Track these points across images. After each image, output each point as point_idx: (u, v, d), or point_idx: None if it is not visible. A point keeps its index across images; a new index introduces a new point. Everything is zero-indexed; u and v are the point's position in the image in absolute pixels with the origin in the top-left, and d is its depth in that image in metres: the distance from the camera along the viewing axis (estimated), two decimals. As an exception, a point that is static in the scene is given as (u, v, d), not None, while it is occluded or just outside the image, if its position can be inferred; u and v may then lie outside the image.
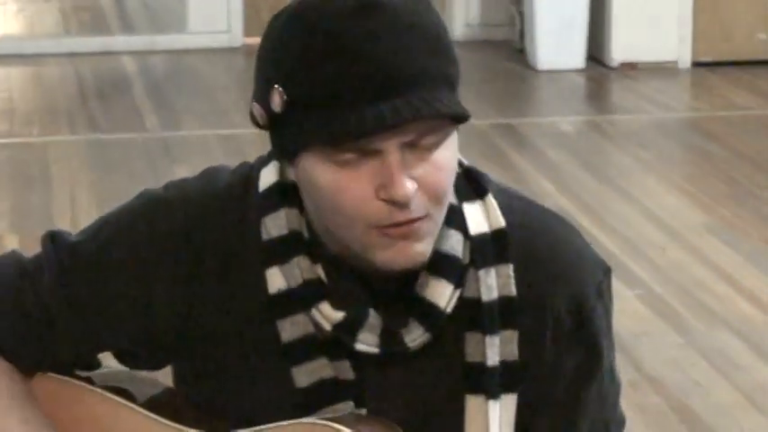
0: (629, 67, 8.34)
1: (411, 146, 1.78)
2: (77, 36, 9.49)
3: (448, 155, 1.81)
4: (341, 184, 1.79)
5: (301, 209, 1.90)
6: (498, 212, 1.93)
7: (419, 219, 1.80)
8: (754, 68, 8.31)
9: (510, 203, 1.95)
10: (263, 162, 1.96)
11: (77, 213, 5.96)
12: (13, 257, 2.02)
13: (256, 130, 6.10)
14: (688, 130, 7.56)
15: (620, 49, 8.39)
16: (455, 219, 1.89)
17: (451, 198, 1.89)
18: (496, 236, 1.92)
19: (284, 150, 1.86)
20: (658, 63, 8.38)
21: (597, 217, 5.87)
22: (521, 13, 8.53)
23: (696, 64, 8.41)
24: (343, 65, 1.77)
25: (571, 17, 8.36)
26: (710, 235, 5.90)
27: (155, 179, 6.18)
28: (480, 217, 1.92)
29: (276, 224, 1.90)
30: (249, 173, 1.96)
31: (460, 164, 1.92)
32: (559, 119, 7.45)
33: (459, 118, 1.79)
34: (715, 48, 8.43)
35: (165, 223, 1.95)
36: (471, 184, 1.93)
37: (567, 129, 7.36)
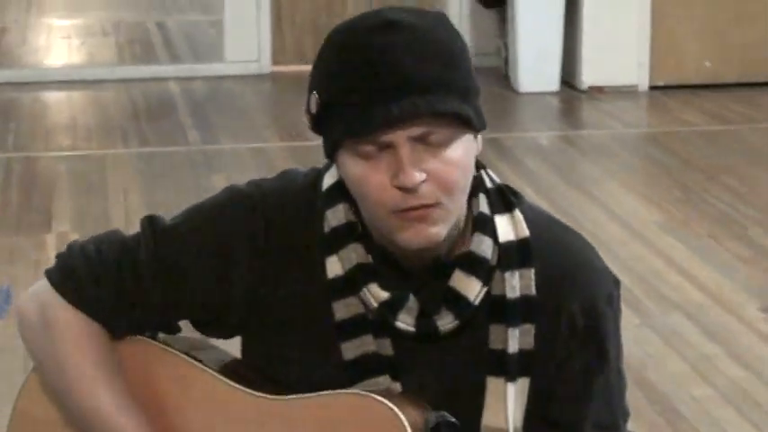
0: (597, 91, 8.31)
1: (421, 141, 1.80)
2: (130, 65, 9.47)
3: (458, 153, 1.83)
4: (364, 174, 1.82)
5: (356, 205, 1.91)
6: (524, 224, 1.94)
7: (431, 206, 1.82)
8: (701, 91, 8.29)
9: (536, 218, 1.97)
10: (327, 166, 1.97)
11: (130, 215, 5.94)
12: (116, 235, 2.03)
13: (283, 143, 6.16)
14: (646, 144, 7.55)
15: (588, 75, 8.36)
16: (488, 227, 1.92)
17: (485, 209, 1.92)
18: (521, 244, 1.93)
19: (327, 150, 1.89)
20: (621, 87, 8.36)
21: (569, 216, 5.84)
22: (505, 45, 8.53)
23: (653, 88, 8.39)
24: (362, 72, 1.80)
25: (547, 48, 8.34)
26: (664, 232, 5.89)
27: (195, 186, 6.20)
28: (508, 227, 1.94)
29: (335, 216, 1.92)
30: (317, 176, 1.98)
31: (493, 181, 1.96)
32: (537, 134, 7.44)
33: (461, 119, 1.81)
34: (668, 74, 8.41)
35: (246, 216, 1.97)
36: (503, 199, 1.94)
37: (544, 142, 7.34)
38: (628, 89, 8.37)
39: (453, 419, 1.72)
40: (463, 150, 1.84)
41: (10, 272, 5.42)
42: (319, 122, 1.86)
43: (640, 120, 7.97)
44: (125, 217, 5.97)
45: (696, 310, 5.03)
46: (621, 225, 5.94)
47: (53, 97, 8.69)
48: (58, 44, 10.63)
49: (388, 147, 1.80)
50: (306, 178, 2.00)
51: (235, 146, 7.37)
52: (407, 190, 1.80)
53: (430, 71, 1.81)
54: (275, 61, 8.94)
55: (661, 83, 8.40)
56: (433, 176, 1.81)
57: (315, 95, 1.84)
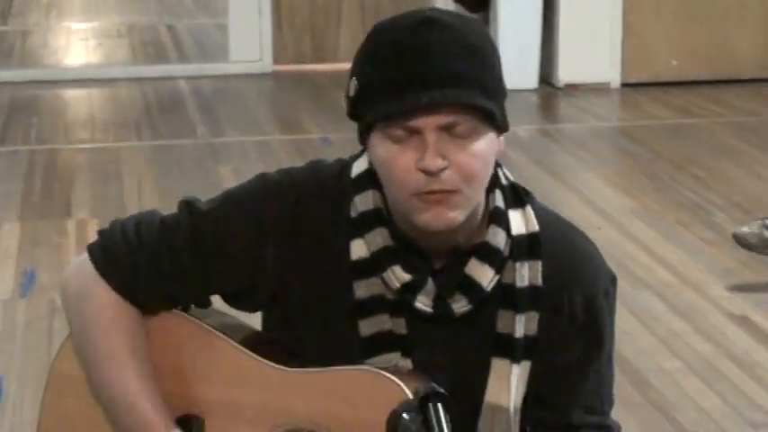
0: (572, 88, 8.31)
1: (447, 131, 1.81)
2: (143, 64, 9.46)
3: (481, 147, 1.84)
4: (393, 156, 1.83)
5: (383, 193, 1.92)
6: (534, 220, 1.96)
7: (451, 191, 1.82)
8: (668, 88, 8.30)
9: (545, 215, 1.99)
10: (355, 157, 1.98)
11: (143, 203, 5.94)
12: (155, 216, 2.03)
13: (284, 137, 6.16)
14: (618, 136, 7.55)
15: (564, 74, 8.35)
16: (502, 220, 1.93)
17: (500, 204, 1.93)
18: (531, 238, 1.95)
19: (360, 134, 1.90)
20: (595, 84, 8.35)
21: (547, 203, 5.84)
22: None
23: (624, 85, 8.38)
24: (398, 63, 1.81)
25: (526, 49, 8.32)
26: (636, 217, 5.89)
27: (203, 176, 6.21)
28: (520, 222, 1.95)
29: (364, 201, 1.93)
30: (344, 166, 1.99)
31: (507, 179, 1.98)
32: (518, 127, 7.42)
33: (484, 112, 1.82)
34: (639, 72, 8.40)
35: (277, 201, 1.97)
36: (516, 196, 1.96)
37: (524, 135, 7.33)
38: (601, 86, 8.36)
39: (442, 390, 1.72)
40: (485, 145, 1.85)
41: (34, 255, 5.42)
42: (356, 106, 1.86)
43: (613, 114, 7.97)
44: (139, 204, 5.96)
45: (665, 290, 5.04)
46: (596, 211, 5.94)
47: (72, 94, 8.68)
48: (77, 46, 10.62)
49: (417, 132, 1.81)
50: (332, 167, 2.01)
51: (239, 139, 7.35)
52: (430, 174, 1.81)
53: (460, 66, 1.82)
54: (276, 61, 8.93)
55: (632, 80, 8.39)
56: (455, 165, 1.82)
57: (354, 81, 1.85)
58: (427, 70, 1.80)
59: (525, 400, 1.97)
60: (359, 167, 1.95)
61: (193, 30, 10.74)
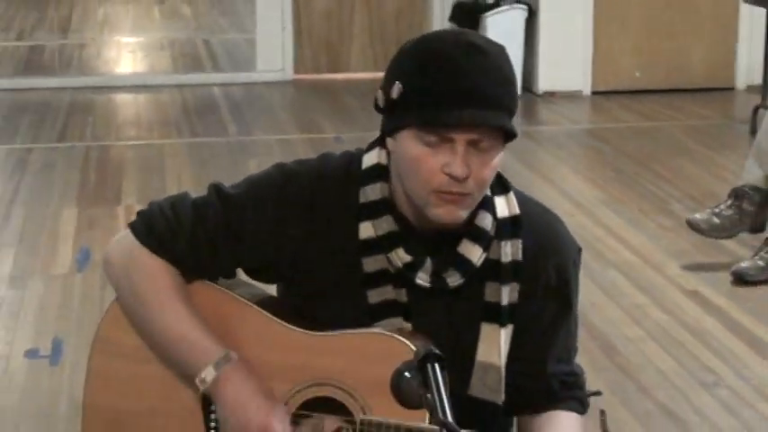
0: (550, 95, 8.28)
1: (474, 144, 1.84)
2: (182, 73, 9.44)
3: (496, 161, 1.88)
4: (423, 156, 1.84)
5: (390, 185, 1.94)
6: (516, 205, 1.98)
7: (465, 194, 1.86)
8: (632, 95, 8.28)
9: (524, 200, 2.01)
10: (364, 151, 1.99)
11: (182, 191, 5.95)
12: (187, 197, 2.05)
13: (302, 136, 6.12)
14: (589, 137, 7.54)
15: (543, 83, 8.32)
16: (489, 205, 1.95)
17: (488, 192, 1.94)
18: (513, 219, 1.97)
19: (391, 127, 1.89)
20: (569, 92, 8.32)
21: (528, 193, 5.86)
22: (478, 58, 8.48)
23: (594, 93, 8.36)
24: (447, 80, 1.82)
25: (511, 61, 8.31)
26: (604, 206, 5.88)
27: (234, 168, 6.21)
28: (504, 206, 1.97)
29: (373, 191, 1.94)
30: (351, 158, 2.00)
31: None
32: (504, 129, 7.44)
33: (510, 134, 1.86)
34: (607, 81, 8.38)
35: (294, 187, 1.98)
36: (500, 183, 1.97)
37: (509, 135, 7.34)
38: (574, 94, 8.34)
39: (439, 352, 1.72)
40: (499, 158, 1.89)
41: (89, 236, 5.42)
42: (395, 106, 1.86)
43: (584, 118, 7.95)
44: (178, 191, 5.97)
45: (629, 268, 5.03)
46: (570, 201, 5.93)
47: (122, 98, 8.67)
48: (126, 57, 10.61)
49: (449, 141, 1.83)
50: (341, 159, 2.02)
51: (264, 137, 7.34)
52: (455, 178, 1.84)
53: (497, 92, 1.85)
54: (296, 71, 8.91)
55: (601, 89, 8.35)
56: (474, 174, 1.85)
57: (398, 85, 1.85)
58: (471, 91, 1.82)
59: (508, 363, 1.97)
60: (369, 161, 1.97)
61: (226, 44, 10.73)
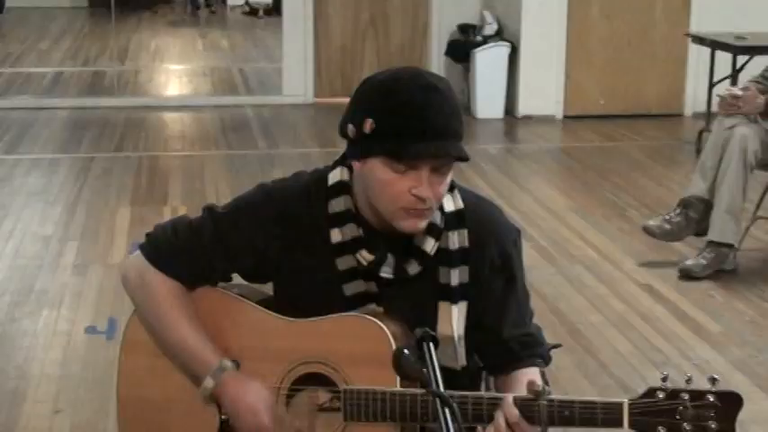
0: (528, 118, 8.28)
1: (435, 169, 1.84)
2: (220, 96, 9.47)
3: (449, 179, 1.88)
4: (392, 181, 1.85)
5: (352, 197, 1.94)
6: (460, 200, 1.97)
7: (428, 209, 1.86)
8: (597, 120, 8.30)
9: (466, 196, 2.00)
10: (329, 168, 1.99)
11: (220, 195, 5.96)
12: (185, 219, 2.05)
13: (321, 150, 6.10)
14: (560, 154, 7.54)
15: (523, 108, 8.32)
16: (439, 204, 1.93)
17: None
18: (458, 213, 1.97)
19: (361, 154, 1.89)
20: (545, 116, 8.32)
21: (509, 202, 5.86)
22: (468, 86, 8.50)
23: (565, 117, 8.37)
24: (413, 118, 1.81)
25: (495, 89, 8.32)
26: (572, 212, 5.88)
27: (262, 176, 6.15)
28: (450, 202, 1.97)
29: (339, 204, 1.94)
30: (319, 175, 2.00)
31: None
32: (489, 146, 7.43)
33: (463, 159, 1.86)
34: (576, 107, 8.39)
35: (271, 204, 1.98)
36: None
37: (493, 152, 7.33)
38: (548, 118, 8.34)
39: (433, 333, 1.71)
40: (450, 176, 1.90)
41: (140, 231, 5.35)
42: (364, 138, 1.85)
43: (557, 138, 7.95)
44: (216, 196, 5.99)
45: (592, 264, 5.03)
46: (543, 207, 5.93)
47: (169, 116, 8.68)
48: (174, 81, 10.63)
49: (414, 168, 1.83)
50: (310, 177, 2.02)
51: (288, 151, 7.36)
52: (421, 199, 1.84)
53: (452, 124, 1.85)
54: (316, 95, 8.93)
55: (571, 114, 8.36)
56: (434, 193, 1.86)
57: (370, 121, 1.84)
58: (434, 127, 1.82)
59: (470, 333, 1.98)
60: (334, 177, 1.98)
61: (257, 72, 10.74)
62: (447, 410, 1.57)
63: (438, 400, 1.59)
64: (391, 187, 1.85)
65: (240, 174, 6.63)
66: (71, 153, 7.24)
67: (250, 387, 1.92)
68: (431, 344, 1.69)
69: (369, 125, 1.84)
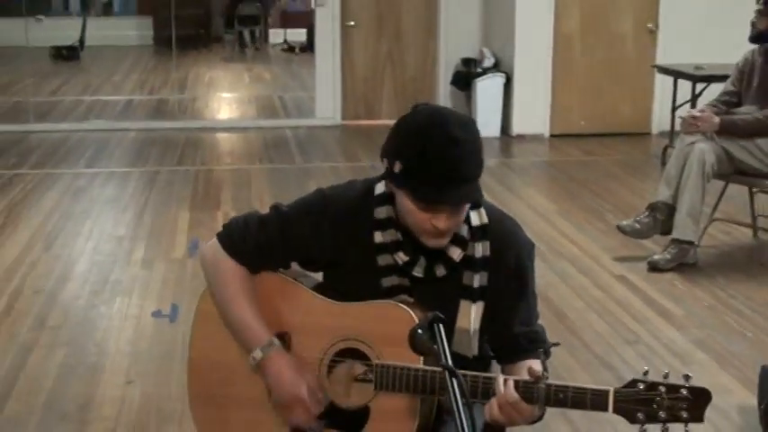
0: (521, 137, 8.29)
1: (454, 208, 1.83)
2: (263, 119, 9.49)
3: (466, 208, 1.87)
4: (415, 212, 1.83)
5: (394, 207, 1.91)
6: (485, 216, 1.94)
7: (447, 233, 1.85)
8: (578, 138, 8.32)
9: (491, 210, 1.97)
10: (376, 180, 1.97)
11: (263, 202, 5.95)
12: (256, 214, 2.03)
13: (347, 164, 6.08)
14: (548, 167, 7.53)
15: (516, 128, 8.32)
16: (466, 219, 1.91)
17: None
18: (483, 227, 1.94)
19: (389, 181, 1.88)
20: (534, 134, 8.33)
21: (506, 208, 5.79)
22: (469, 109, 8.49)
23: (552, 135, 8.36)
24: (436, 169, 1.77)
25: (493, 111, 8.33)
26: (557, 215, 5.87)
27: (298, 187, 6.23)
28: (476, 217, 1.93)
29: (382, 212, 1.92)
30: (369, 184, 1.97)
31: None
32: (488, 160, 7.38)
33: (477, 202, 1.89)
34: (561, 127, 8.38)
35: (327, 207, 1.96)
36: (475, 201, 1.93)
37: (492, 165, 7.32)
38: (538, 136, 8.34)
39: (442, 316, 1.71)
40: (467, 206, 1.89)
41: (197, 232, 5.45)
42: (395, 175, 1.84)
43: (545, 153, 7.94)
44: (260, 203, 5.99)
45: (575, 259, 5.02)
46: (533, 211, 5.92)
47: (221, 136, 8.71)
48: (224, 107, 10.65)
49: (434, 208, 1.82)
50: (361, 185, 2.00)
51: (320, 165, 7.36)
52: (439, 231, 1.84)
53: (472, 172, 1.81)
54: (343, 118, 8.95)
55: (557, 133, 8.35)
56: (453, 224, 1.85)
57: (399, 164, 1.82)
58: (453, 178, 1.78)
59: (485, 327, 1.96)
60: (379, 189, 1.96)
61: (294, 99, 10.76)
62: (454, 381, 1.56)
63: (447, 372, 1.58)
64: (414, 215, 1.84)
65: (280, 184, 6.64)
66: (139, 167, 7.27)
67: (292, 363, 1.93)
68: (440, 325, 1.68)
69: (397, 166, 1.83)
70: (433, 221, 1.82)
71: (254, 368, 1.94)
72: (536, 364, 1.92)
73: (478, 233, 1.93)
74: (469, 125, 1.82)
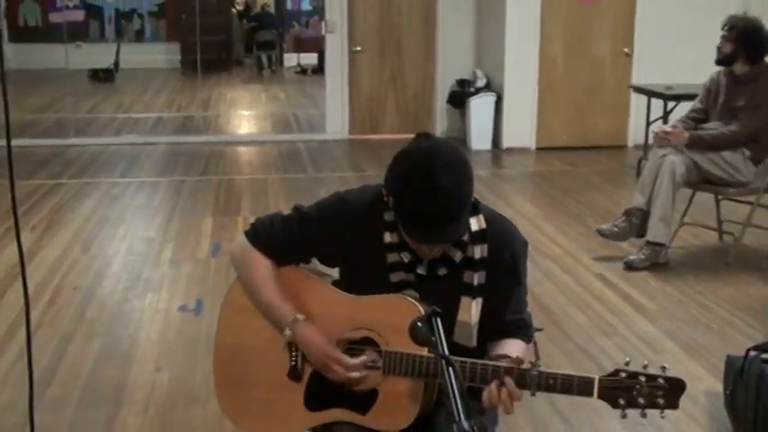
0: (509, 150, 8.28)
1: None
2: (279, 134, 9.49)
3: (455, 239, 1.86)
4: (407, 237, 1.85)
5: None
6: (483, 221, 1.92)
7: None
8: (561, 150, 8.29)
9: (488, 213, 1.95)
10: None
11: (279, 207, 5.94)
12: (279, 214, 2.03)
13: (354, 174, 6.05)
14: (534, 176, 7.50)
15: (506, 141, 8.31)
16: (466, 225, 1.89)
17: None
18: (482, 231, 1.92)
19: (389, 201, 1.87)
20: (522, 147, 8.32)
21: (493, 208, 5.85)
22: (464, 125, 8.49)
23: (537, 148, 8.35)
24: (419, 212, 1.76)
25: (485, 127, 8.32)
26: (543, 220, 5.86)
27: (310, 194, 6.22)
28: (475, 223, 1.91)
29: (391, 215, 1.90)
30: (381, 190, 1.94)
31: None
32: (480, 171, 7.42)
33: (458, 240, 1.87)
34: (546, 141, 8.37)
35: (343, 209, 1.96)
36: (474, 209, 1.92)
37: (484, 175, 7.32)
38: (525, 149, 8.32)
39: (440, 311, 1.71)
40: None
41: (219, 235, 5.45)
42: (390, 205, 1.85)
43: (531, 164, 7.93)
44: (276, 208, 5.97)
45: (558, 259, 5.01)
46: (521, 216, 5.90)
47: (241, 149, 8.71)
48: (244, 123, 10.66)
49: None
50: (375, 189, 1.99)
51: (329, 174, 7.35)
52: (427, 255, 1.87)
53: (454, 212, 1.78)
54: (350, 132, 8.94)
55: (542, 146, 8.34)
56: (441, 249, 1.86)
57: (392, 199, 1.82)
58: (432, 222, 1.77)
59: (481, 319, 1.96)
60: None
61: (307, 115, 10.77)
62: (450, 369, 1.56)
63: (443, 361, 1.58)
64: (407, 237, 1.85)
65: (294, 192, 6.64)
66: (168, 177, 7.27)
67: (319, 330, 1.94)
68: (438, 318, 1.68)
69: (390, 201, 1.84)
70: (422, 248, 1.84)
71: (289, 341, 1.95)
72: (517, 345, 1.94)
73: (478, 237, 1.92)
74: (456, 165, 1.77)
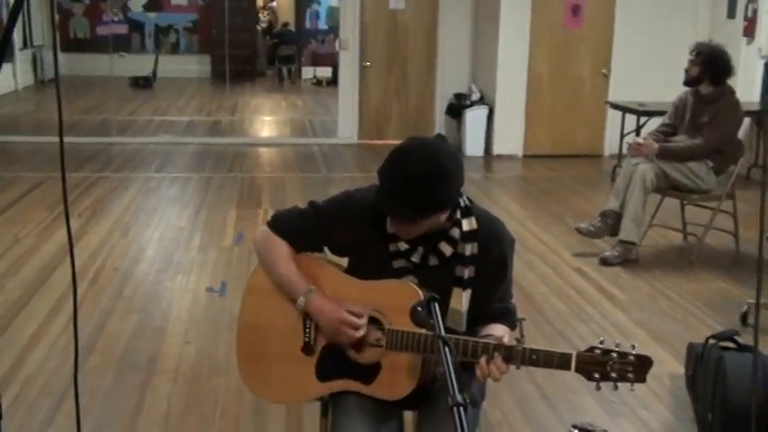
0: (500, 156, 8.27)
1: (404, 220, 1.82)
2: (296, 137, 9.48)
3: (427, 223, 1.82)
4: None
5: None
6: (475, 222, 1.90)
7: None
8: (545, 158, 8.31)
9: (480, 212, 1.93)
10: None
11: (295, 201, 5.96)
12: (297, 208, 2.02)
13: (362, 174, 6.00)
14: (521, 180, 7.47)
15: (497, 148, 8.31)
16: (458, 225, 1.89)
17: (458, 216, 1.88)
18: (472, 231, 1.90)
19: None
20: (511, 155, 8.31)
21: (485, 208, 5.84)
22: (460, 134, 8.48)
23: (524, 155, 8.33)
24: (385, 184, 1.77)
25: (478, 136, 8.30)
26: (528, 219, 5.84)
27: (322, 191, 6.21)
28: (467, 224, 1.89)
29: None
30: None
31: (465, 201, 1.90)
32: (474, 175, 7.41)
33: (436, 207, 1.81)
34: (532, 149, 8.35)
35: (351, 204, 1.94)
36: (466, 210, 1.90)
37: (476, 178, 7.31)
38: (513, 156, 8.30)
39: (438, 296, 1.70)
40: (429, 222, 1.83)
41: (242, 225, 5.44)
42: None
43: (519, 170, 7.91)
44: (292, 203, 5.97)
45: (541, 254, 5.00)
46: (510, 216, 5.89)
47: (262, 150, 8.70)
48: (265, 127, 10.65)
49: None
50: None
51: (340, 174, 7.33)
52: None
53: (417, 206, 1.77)
54: (359, 138, 8.92)
55: (528, 153, 8.32)
56: (407, 233, 1.85)
57: (377, 178, 1.82)
58: (395, 196, 1.76)
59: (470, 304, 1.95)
60: None
61: (321, 121, 10.76)
62: (446, 348, 1.56)
63: (440, 341, 1.58)
64: (378, 207, 1.85)
65: (308, 189, 6.62)
66: (198, 173, 7.26)
67: (330, 298, 1.94)
68: (436, 303, 1.68)
69: (377, 177, 1.84)
70: (396, 225, 1.84)
71: (302, 311, 1.94)
72: (501, 328, 1.94)
73: (468, 237, 1.91)
74: (435, 164, 1.75)
